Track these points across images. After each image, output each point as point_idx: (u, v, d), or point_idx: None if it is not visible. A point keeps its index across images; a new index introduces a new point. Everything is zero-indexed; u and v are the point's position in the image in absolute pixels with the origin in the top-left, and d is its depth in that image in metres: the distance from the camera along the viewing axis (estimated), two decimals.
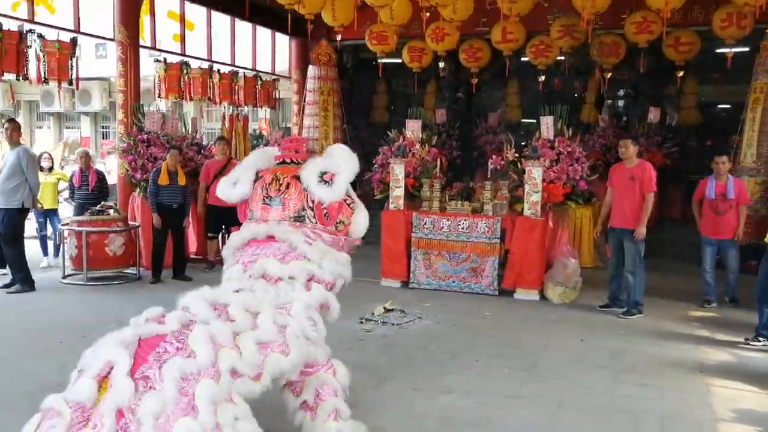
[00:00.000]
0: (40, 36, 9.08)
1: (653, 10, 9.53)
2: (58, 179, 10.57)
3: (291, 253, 4.07)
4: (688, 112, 15.21)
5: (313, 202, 4.20)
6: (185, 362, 3.20)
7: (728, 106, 16.64)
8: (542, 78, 13.81)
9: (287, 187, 4.23)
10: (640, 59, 12.83)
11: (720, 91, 16.22)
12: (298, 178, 4.22)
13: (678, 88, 14.54)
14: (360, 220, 4.38)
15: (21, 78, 9.00)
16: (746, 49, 11.99)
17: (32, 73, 8.99)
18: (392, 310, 7.73)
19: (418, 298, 8.46)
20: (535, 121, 9.53)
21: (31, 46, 8.93)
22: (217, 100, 12.72)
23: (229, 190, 4.46)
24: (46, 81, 9.27)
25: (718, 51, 12.59)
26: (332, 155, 4.34)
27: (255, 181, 4.37)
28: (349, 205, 4.31)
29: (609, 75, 13.21)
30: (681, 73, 13.00)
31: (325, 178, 4.15)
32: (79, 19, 9.98)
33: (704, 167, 15.06)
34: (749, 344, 6.71)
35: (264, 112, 16.26)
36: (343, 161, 4.25)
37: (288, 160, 4.39)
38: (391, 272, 9.27)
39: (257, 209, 4.31)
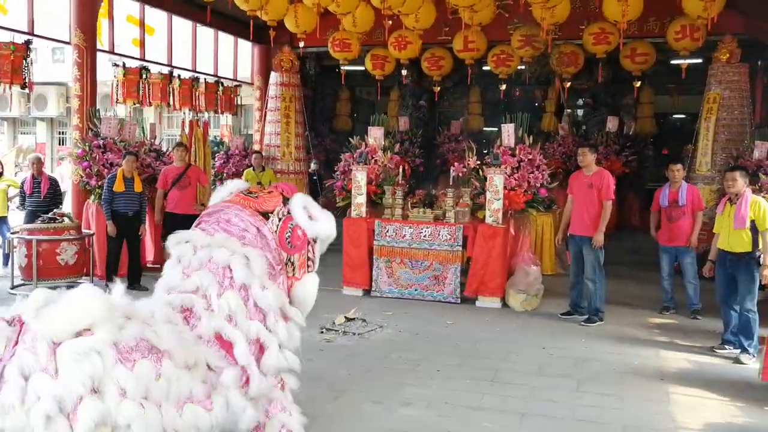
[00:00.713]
0: None
1: (610, 22, 9.67)
2: (8, 185, 10.25)
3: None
4: (644, 122, 15.48)
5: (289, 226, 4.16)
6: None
7: (683, 116, 16.99)
8: (503, 87, 13.92)
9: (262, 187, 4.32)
10: (598, 69, 13.01)
11: (675, 102, 16.61)
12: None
13: (635, 98, 14.78)
14: (305, 291, 4.16)
15: None
16: (699, 60, 12.26)
17: None
18: (353, 319, 7.64)
19: (380, 307, 8.39)
20: (496, 129, 9.57)
21: None
22: (177, 105, 12.52)
23: None
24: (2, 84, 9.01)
25: (672, 62, 12.83)
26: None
27: None
28: (309, 264, 4.20)
29: (568, 84, 13.37)
30: (638, 84, 13.22)
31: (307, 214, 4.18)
32: (33, 20, 9.75)
33: (661, 176, 15.37)
34: (715, 352, 6.77)
35: (225, 119, 16.10)
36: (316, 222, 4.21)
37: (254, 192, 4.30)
38: (353, 280, 9.18)
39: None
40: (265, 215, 4.01)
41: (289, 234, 4.03)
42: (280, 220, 4.03)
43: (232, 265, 3.78)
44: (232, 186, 4.24)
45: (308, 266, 4.15)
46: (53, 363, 2.97)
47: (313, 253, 4.17)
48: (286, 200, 4.16)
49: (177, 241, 4.03)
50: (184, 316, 3.71)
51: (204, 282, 3.78)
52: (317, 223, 4.14)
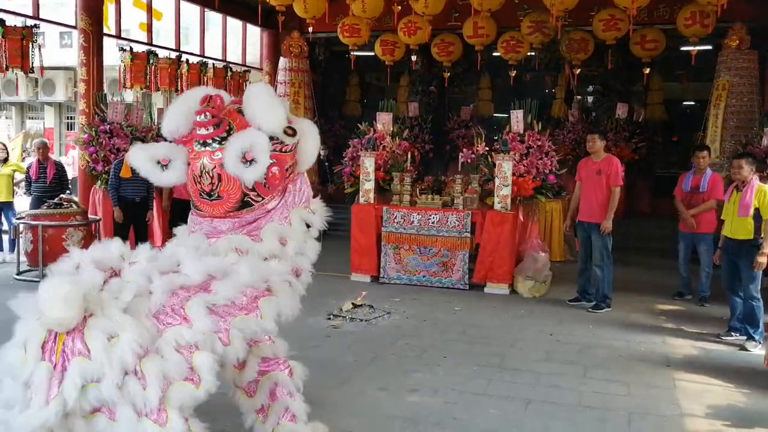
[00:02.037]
0: (1, 21, 8.81)
1: (620, 8, 9.57)
2: (14, 170, 10.20)
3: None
4: (654, 108, 15.37)
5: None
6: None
7: (693, 102, 16.86)
8: (513, 73, 13.84)
9: (219, 179, 3.68)
10: (608, 56, 12.91)
11: (684, 88, 16.47)
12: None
13: (645, 84, 14.68)
14: (306, 150, 3.92)
15: None
16: (709, 47, 12.14)
17: None
18: (361, 305, 7.64)
19: (388, 293, 8.39)
20: (506, 115, 9.52)
21: None
22: (186, 90, 12.50)
23: (157, 173, 3.82)
24: (7, 68, 8.99)
25: (682, 49, 12.72)
26: (250, 114, 3.70)
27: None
28: (285, 150, 3.77)
29: (578, 71, 13.27)
30: (647, 70, 13.12)
31: (247, 157, 3.55)
32: (38, 4, 9.73)
33: (671, 162, 15.29)
34: (722, 339, 6.74)
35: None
36: (259, 126, 3.65)
37: (210, 141, 3.68)
38: (360, 267, 9.18)
39: (198, 202, 3.85)
40: None
41: (265, 182, 3.73)
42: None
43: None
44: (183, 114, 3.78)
45: (291, 150, 3.83)
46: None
47: (279, 142, 3.73)
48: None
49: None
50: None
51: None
52: (253, 167, 3.58)
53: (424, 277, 8.85)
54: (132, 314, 3.12)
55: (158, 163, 3.80)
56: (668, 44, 12.03)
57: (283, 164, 3.78)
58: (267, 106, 3.70)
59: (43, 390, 2.92)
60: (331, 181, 12.19)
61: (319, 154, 4.36)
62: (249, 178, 3.61)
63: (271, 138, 3.67)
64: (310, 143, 3.95)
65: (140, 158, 3.83)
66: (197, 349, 3.20)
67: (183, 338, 3.18)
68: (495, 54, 13.35)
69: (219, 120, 3.69)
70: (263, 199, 3.76)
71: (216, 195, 3.72)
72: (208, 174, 3.69)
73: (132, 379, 3.00)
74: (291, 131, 3.78)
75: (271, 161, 3.68)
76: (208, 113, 3.69)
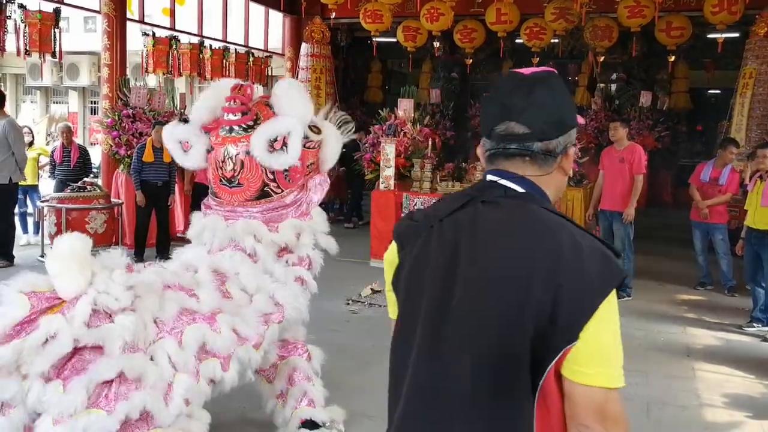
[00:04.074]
0: (21, 6, 8.87)
1: None
2: (39, 154, 10.27)
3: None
4: (678, 97, 15.21)
5: (273, 172, 3.73)
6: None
7: (718, 91, 16.66)
8: (536, 60, 13.74)
9: (242, 166, 3.71)
10: (632, 43, 12.78)
11: (710, 76, 16.25)
12: (250, 153, 3.68)
13: (669, 72, 14.52)
14: (329, 150, 3.97)
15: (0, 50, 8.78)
16: (736, 34, 11.97)
17: (11, 45, 8.76)
18: (380, 291, 7.66)
19: None
20: None
21: (10, 16, 8.70)
22: (208, 76, 12.54)
23: (180, 155, 3.90)
24: (27, 53, 9.05)
25: (709, 36, 12.55)
26: (277, 105, 3.76)
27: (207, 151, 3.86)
28: (311, 147, 3.84)
29: (602, 58, 13.15)
30: (672, 58, 12.96)
31: (276, 146, 3.59)
32: None
33: (695, 152, 15.14)
34: (744, 330, 6.69)
35: (256, 90, 16.10)
36: (291, 114, 3.68)
37: (236, 127, 3.71)
38: (380, 253, 9.11)
39: (217, 188, 3.89)
40: None
41: (286, 174, 3.78)
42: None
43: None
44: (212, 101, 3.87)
45: (316, 147, 3.89)
46: None
47: (308, 139, 3.81)
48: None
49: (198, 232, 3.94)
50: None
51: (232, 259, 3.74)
52: (279, 155, 3.63)
53: None
54: (139, 307, 3.08)
55: (180, 143, 3.86)
56: (694, 31, 11.88)
57: (305, 160, 3.83)
58: (297, 100, 3.75)
59: (9, 322, 2.83)
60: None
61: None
62: (278, 163, 3.65)
63: None
64: (332, 146, 3.99)
65: (168, 138, 3.92)
66: (178, 372, 3.10)
67: (173, 354, 3.09)
68: (518, 41, 13.28)
69: (247, 108, 3.72)
70: (282, 191, 3.80)
71: (236, 182, 3.75)
72: (231, 160, 3.72)
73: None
74: (316, 129, 3.86)
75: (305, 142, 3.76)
76: (237, 100, 3.73)
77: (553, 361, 1.41)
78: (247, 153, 3.67)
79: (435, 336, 1.53)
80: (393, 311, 1.79)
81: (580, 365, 1.41)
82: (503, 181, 1.57)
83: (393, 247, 1.78)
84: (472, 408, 1.46)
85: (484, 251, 1.48)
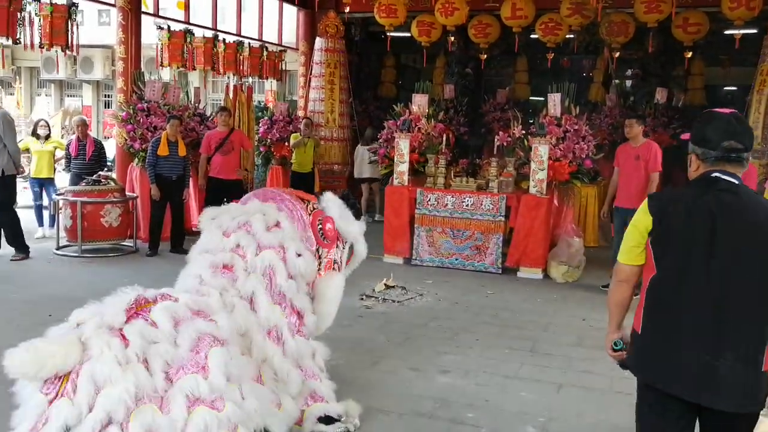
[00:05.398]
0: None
1: None
2: (55, 147, 10.31)
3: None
4: (694, 94, 15.07)
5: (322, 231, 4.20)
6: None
7: (734, 88, 16.51)
8: (551, 56, 13.65)
9: None
10: (648, 39, 12.66)
11: (727, 73, 16.09)
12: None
13: (685, 68, 14.39)
14: (328, 292, 4.20)
15: (13, 42, 8.73)
16: (754, 30, 11.84)
17: (25, 38, 8.75)
18: (393, 286, 7.66)
19: (421, 275, 8.39)
20: (543, 98, 9.41)
21: (24, 8, 8.70)
22: (222, 70, 12.55)
23: None
24: (41, 46, 9.06)
25: (726, 32, 12.42)
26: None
27: None
28: (336, 265, 4.27)
29: (617, 54, 13.04)
30: (689, 54, 12.83)
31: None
32: None
33: None
34: None
35: (270, 84, 16.05)
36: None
37: None
38: (393, 249, 9.19)
39: None
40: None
41: (320, 226, 4.09)
42: (311, 212, 4.13)
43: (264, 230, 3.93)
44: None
45: (334, 267, 4.17)
46: None
47: (341, 255, 4.21)
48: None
49: (213, 215, 4.09)
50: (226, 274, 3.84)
51: (243, 241, 3.89)
52: (348, 222, 4.19)
53: (456, 260, 8.83)
54: (149, 361, 3.10)
55: None
56: (711, 27, 11.76)
57: (334, 247, 4.26)
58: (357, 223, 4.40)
59: (29, 422, 2.94)
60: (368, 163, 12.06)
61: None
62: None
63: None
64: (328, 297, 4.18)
65: None
66: (202, 405, 3.10)
67: (197, 389, 3.09)
68: (533, 36, 13.17)
69: None
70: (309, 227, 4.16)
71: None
72: None
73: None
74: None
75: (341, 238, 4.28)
76: None
77: None
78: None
79: (706, 268, 2.50)
80: (636, 258, 2.73)
81: None
82: (726, 177, 2.56)
83: (647, 216, 2.65)
84: (737, 316, 2.48)
85: (734, 216, 2.50)
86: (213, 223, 4.05)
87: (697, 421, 2.67)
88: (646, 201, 2.71)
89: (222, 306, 3.58)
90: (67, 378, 2.98)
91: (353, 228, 4.24)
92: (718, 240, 2.48)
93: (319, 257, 4.08)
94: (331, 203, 4.23)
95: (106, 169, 10.10)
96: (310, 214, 4.09)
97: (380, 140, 10.07)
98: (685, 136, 2.81)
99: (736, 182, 2.55)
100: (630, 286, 2.82)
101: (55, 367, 2.95)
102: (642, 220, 2.67)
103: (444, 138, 9.48)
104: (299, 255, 3.92)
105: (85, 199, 8.93)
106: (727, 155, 2.57)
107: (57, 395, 2.96)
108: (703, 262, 2.50)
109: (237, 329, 3.55)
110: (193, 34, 11.81)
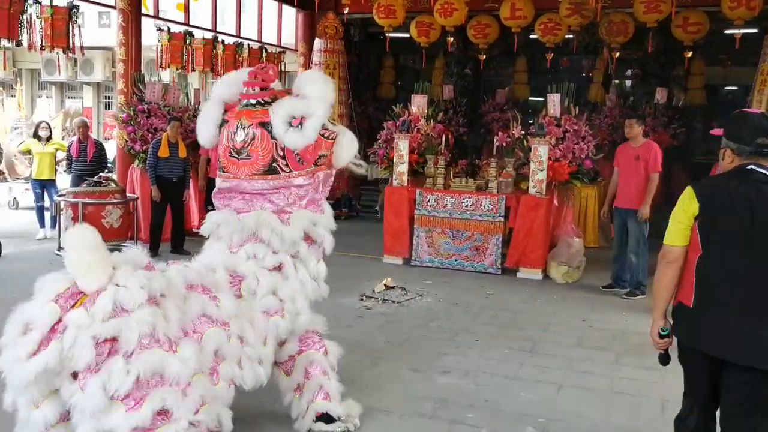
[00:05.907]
0: (37, 1, 8.89)
1: None
2: (56, 149, 10.35)
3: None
4: (694, 93, 15.06)
5: (283, 149, 3.79)
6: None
7: (735, 88, 16.50)
8: (550, 56, 13.66)
9: (253, 138, 3.79)
10: (648, 39, 12.66)
11: (727, 73, 16.08)
12: (263, 125, 3.77)
13: (685, 68, 14.39)
14: (343, 148, 4.00)
15: (15, 44, 8.76)
16: (755, 30, 11.83)
17: (27, 39, 8.77)
18: (393, 287, 7.67)
19: (420, 276, 8.40)
20: (542, 99, 9.41)
21: (26, 10, 8.72)
22: (221, 71, 12.56)
23: (201, 133, 4.11)
24: (43, 48, 9.08)
25: (726, 32, 12.42)
26: (303, 90, 3.85)
27: (221, 125, 3.96)
28: (327, 137, 3.89)
29: (617, 54, 13.05)
30: (689, 54, 12.83)
31: (293, 123, 3.69)
32: None
33: (710, 150, 15.00)
34: None
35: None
36: (315, 98, 3.77)
37: (253, 101, 3.86)
38: (393, 249, 9.19)
39: (225, 162, 3.96)
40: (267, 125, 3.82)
41: (298, 156, 3.84)
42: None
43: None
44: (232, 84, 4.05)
45: (331, 138, 3.92)
46: None
47: (327, 129, 3.87)
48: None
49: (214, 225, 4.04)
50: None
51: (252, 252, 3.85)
52: (297, 132, 3.70)
53: (456, 260, 8.84)
54: (162, 303, 3.12)
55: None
56: (712, 27, 11.75)
57: (319, 148, 3.87)
58: (322, 87, 3.85)
59: (41, 330, 2.88)
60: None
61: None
62: (292, 140, 3.71)
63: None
64: (346, 146, 4.03)
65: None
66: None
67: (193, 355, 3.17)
68: (532, 36, 13.17)
69: (267, 85, 3.86)
70: (291, 171, 3.84)
71: (245, 153, 3.81)
72: (244, 130, 3.80)
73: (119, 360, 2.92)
74: (328, 132, 3.91)
75: (322, 131, 3.84)
76: (258, 76, 3.88)
77: None
78: (262, 125, 3.76)
79: (749, 244, 2.89)
80: (683, 240, 3.10)
81: None
82: (759, 169, 2.95)
83: (694, 202, 3.01)
84: None
85: None
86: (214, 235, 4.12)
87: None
88: (690, 188, 3.08)
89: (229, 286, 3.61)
90: (85, 297, 2.97)
91: (299, 138, 3.74)
92: (757, 224, 2.87)
93: (321, 157, 3.94)
94: (278, 119, 3.74)
95: (106, 170, 10.12)
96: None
97: (379, 141, 10.08)
98: (716, 132, 3.18)
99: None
100: (678, 267, 3.15)
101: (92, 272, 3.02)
102: (690, 206, 3.04)
103: (443, 138, 9.48)
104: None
105: (86, 200, 8.98)
106: (759, 150, 2.98)
107: (74, 306, 2.95)
108: (744, 244, 2.89)
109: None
110: (193, 36, 11.84)
